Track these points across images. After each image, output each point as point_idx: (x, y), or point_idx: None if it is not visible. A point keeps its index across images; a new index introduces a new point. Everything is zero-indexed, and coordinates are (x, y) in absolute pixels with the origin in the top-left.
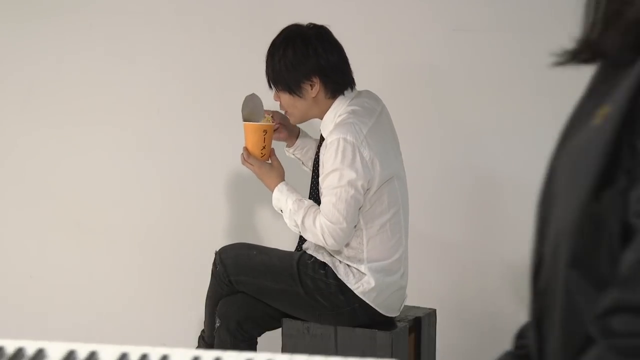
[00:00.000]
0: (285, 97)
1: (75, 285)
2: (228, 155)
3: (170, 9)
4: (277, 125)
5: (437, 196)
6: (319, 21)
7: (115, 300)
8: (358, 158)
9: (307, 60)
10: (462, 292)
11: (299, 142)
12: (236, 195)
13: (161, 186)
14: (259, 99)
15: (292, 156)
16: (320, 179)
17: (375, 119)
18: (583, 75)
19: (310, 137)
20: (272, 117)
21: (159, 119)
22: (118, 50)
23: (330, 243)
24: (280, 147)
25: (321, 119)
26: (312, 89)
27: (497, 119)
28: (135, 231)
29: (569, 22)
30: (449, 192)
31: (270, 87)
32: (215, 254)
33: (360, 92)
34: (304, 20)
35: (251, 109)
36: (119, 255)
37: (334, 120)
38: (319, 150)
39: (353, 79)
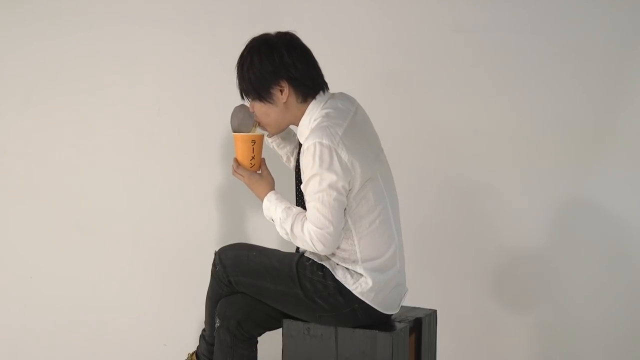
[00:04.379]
0: (258, 105)
1: (76, 286)
2: (229, 157)
3: (170, 11)
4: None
5: (437, 197)
6: (318, 22)
7: (115, 300)
8: (336, 160)
9: (274, 66)
10: (462, 293)
11: (278, 137)
12: (237, 196)
13: (161, 187)
14: (248, 108)
15: (271, 147)
16: (302, 185)
17: (350, 119)
18: (581, 76)
19: (293, 135)
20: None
21: (159, 120)
22: (118, 51)
23: (320, 248)
24: (272, 157)
25: (297, 125)
26: (282, 94)
27: (496, 119)
28: (135, 231)
29: (567, 23)
30: (449, 193)
31: (242, 98)
32: (215, 255)
33: (333, 94)
34: (304, 21)
35: (240, 119)
36: (119, 255)
37: (309, 126)
38: (298, 157)
39: (324, 82)
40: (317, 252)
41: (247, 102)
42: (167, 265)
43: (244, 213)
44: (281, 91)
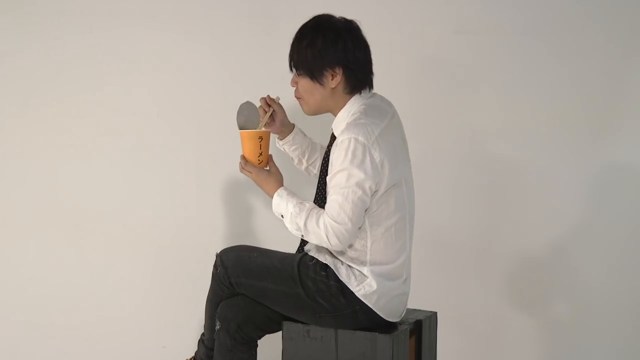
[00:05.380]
0: (305, 82)
1: (75, 288)
2: (229, 158)
3: (170, 12)
4: (271, 111)
5: (436, 199)
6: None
7: (115, 302)
8: (368, 159)
9: (335, 51)
10: (463, 295)
11: (290, 137)
12: (237, 197)
13: (162, 188)
14: (254, 106)
15: (281, 149)
16: (327, 177)
17: (388, 121)
18: (582, 77)
19: (304, 137)
20: (267, 102)
21: (159, 121)
22: (118, 53)
23: (334, 243)
24: (278, 153)
25: (334, 114)
26: (332, 79)
27: (499, 121)
28: (135, 234)
29: (569, 25)
30: (448, 195)
31: (290, 69)
32: (216, 256)
33: (374, 94)
34: (302, 22)
35: (246, 117)
36: (119, 257)
37: (346, 119)
38: (328, 150)
39: (372, 80)
40: (330, 247)
41: (293, 74)
42: (168, 267)
43: (245, 214)
44: (333, 76)
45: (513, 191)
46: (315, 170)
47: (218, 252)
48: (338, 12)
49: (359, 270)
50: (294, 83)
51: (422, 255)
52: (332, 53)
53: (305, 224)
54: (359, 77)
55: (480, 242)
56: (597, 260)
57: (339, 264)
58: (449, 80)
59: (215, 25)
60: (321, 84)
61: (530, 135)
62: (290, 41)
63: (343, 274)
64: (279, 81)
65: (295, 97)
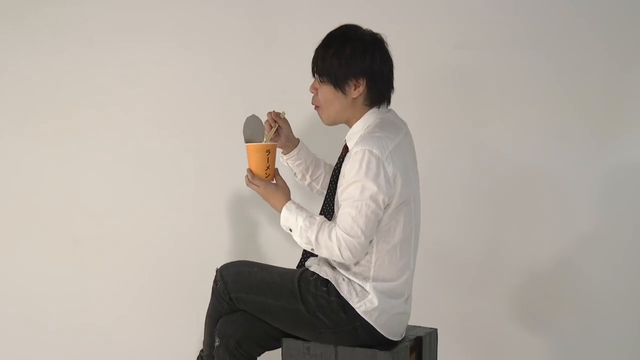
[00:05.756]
0: (327, 90)
1: (73, 302)
2: (231, 172)
3: (170, 25)
4: (276, 126)
5: (438, 212)
6: (319, 38)
7: (113, 318)
8: (382, 172)
9: (363, 62)
10: (463, 311)
11: (294, 152)
12: (238, 212)
13: (163, 203)
14: (259, 119)
15: (285, 164)
16: (339, 189)
17: (401, 138)
18: (583, 91)
19: (309, 152)
20: (272, 117)
21: (159, 134)
22: (118, 66)
23: (346, 256)
24: (280, 168)
25: (349, 126)
26: (355, 90)
27: (499, 137)
28: (135, 248)
29: (568, 39)
30: (450, 208)
31: (313, 75)
32: (216, 271)
33: (390, 110)
34: (303, 35)
35: (252, 130)
36: (118, 272)
37: (361, 132)
38: (340, 162)
39: (391, 96)
40: (341, 260)
41: (315, 79)
42: (167, 282)
43: (246, 229)
44: (356, 86)
45: (518, 204)
46: (319, 186)
47: (218, 267)
48: (336, 26)
49: (360, 286)
50: (314, 90)
51: (423, 269)
52: (359, 63)
53: (316, 238)
54: (381, 90)
55: (483, 255)
56: (607, 272)
57: (340, 280)
58: (451, 94)
59: (215, 37)
60: (344, 92)
61: (534, 148)
62: (289, 54)
63: (344, 290)
64: (279, 94)
65: (313, 104)
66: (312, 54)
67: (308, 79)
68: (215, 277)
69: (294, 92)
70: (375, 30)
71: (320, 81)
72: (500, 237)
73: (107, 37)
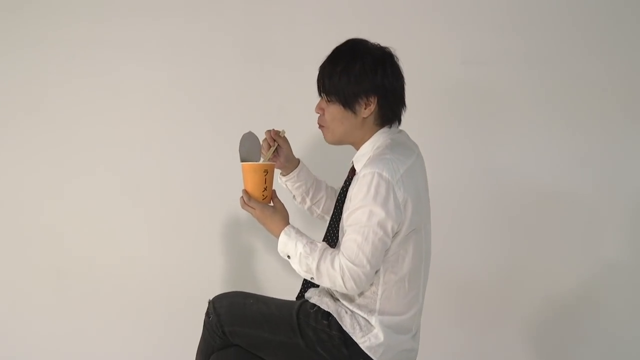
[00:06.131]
0: (335, 110)
1: (60, 335)
2: (222, 194)
3: (160, 41)
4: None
5: (449, 244)
6: (320, 55)
7: (98, 351)
8: (392, 197)
9: (373, 80)
10: (477, 349)
11: (294, 173)
12: (232, 238)
13: (151, 231)
14: (256, 137)
15: (284, 185)
16: (344, 214)
17: (413, 161)
18: (606, 108)
19: (309, 173)
20: (272, 136)
21: (150, 152)
22: (106, 83)
23: (350, 287)
24: (279, 190)
25: (356, 147)
26: (366, 108)
27: (514, 158)
28: (123, 280)
29: (575, 54)
30: (461, 240)
31: (320, 94)
32: (209, 303)
33: (401, 131)
34: (302, 50)
35: (248, 148)
36: (104, 302)
37: (370, 153)
38: (346, 185)
39: (401, 115)
40: (344, 290)
41: (322, 98)
42: (155, 314)
43: (241, 257)
44: (367, 105)
45: (537, 231)
46: (319, 210)
47: (210, 298)
48: (336, 39)
49: (365, 319)
50: (320, 110)
51: (432, 302)
52: (369, 80)
53: (318, 266)
54: (393, 109)
55: (499, 288)
56: (635, 305)
57: (343, 312)
58: (455, 111)
59: (208, 50)
60: (353, 112)
61: (555, 170)
62: (287, 67)
63: (347, 323)
64: (276, 112)
65: (319, 124)
66: (312, 67)
67: (307, 94)
68: (208, 309)
69: (293, 108)
70: (384, 45)
71: (328, 100)
72: (518, 268)
73: (94, 53)
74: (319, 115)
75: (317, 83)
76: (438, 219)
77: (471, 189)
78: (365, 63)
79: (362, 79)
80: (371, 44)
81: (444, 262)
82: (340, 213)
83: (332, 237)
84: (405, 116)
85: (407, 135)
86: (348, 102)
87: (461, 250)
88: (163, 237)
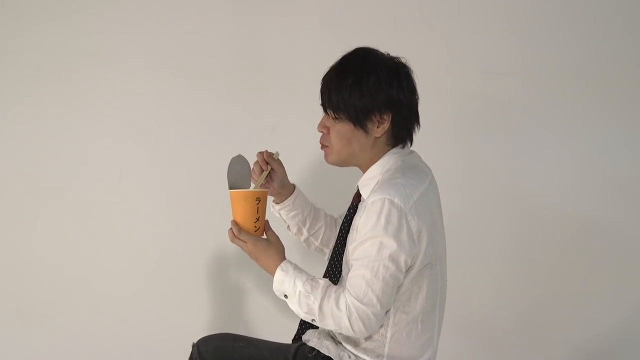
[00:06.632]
0: (344, 128)
1: None
2: (209, 226)
3: (144, 53)
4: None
5: (467, 280)
6: (319, 66)
7: None
8: (405, 227)
9: (388, 94)
10: None
11: (289, 201)
12: (219, 275)
13: (131, 264)
14: (247, 161)
15: (277, 215)
16: (350, 247)
17: (427, 185)
18: (608, 118)
19: (306, 200)
20: (264, 159)
21: (120, 186)
22: (91, 101)
23: (357, 329)
24: (271, 220)
25: (363, 169)
26: (379, 127)
27: (539, 183)
28: (96, 318)
29: (602, 64)
30: (481, 275)
31: (325, 111)
32: (193, 347)
33: (412, 152)
34: (297, 68)
35: (238, 173)
36: (74, 351)
37: (378, 177)
38: (350, 213)
39: (414, 134)
40: (351, 333)
41: (327, 115)
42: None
43: (229, 297)
44: (380, 123)
45: (566, 266)
46: (318, 242)
47: (195, 341)
48: (338, 52)
49: None
50: (324, 128)
51: (448, 345)
52: (385, 94)
53: (320, 306)
54: (408, 127)
55: (521, 330)
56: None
57: (346, 357)
58: (475, 122)
59: (195, 64)
60: (365, 131)
61: (585, 196)
62: (281, 83)
63: None
64: (270, 131)
65: (322, 144)
66: (310, 79)
67: (304, 110)
68: (192, 354)
69: (287, 128)
70: (403, 56)
71: (335, 118)
72: (542, 307)
73: (55, 65)
74: (321, 134)
75: (322, 97)
76: (454, 252)
77: (494, 218)
78: (381, 76)
79: (377, 93)
80: (382, 53)
81: (460, 300)
82: (344, 245)
83: (334, 273)
84: (417, 135)
85: (419, 157)
86: (359, 120)
87: (479, 288)
88: (143, 272)
